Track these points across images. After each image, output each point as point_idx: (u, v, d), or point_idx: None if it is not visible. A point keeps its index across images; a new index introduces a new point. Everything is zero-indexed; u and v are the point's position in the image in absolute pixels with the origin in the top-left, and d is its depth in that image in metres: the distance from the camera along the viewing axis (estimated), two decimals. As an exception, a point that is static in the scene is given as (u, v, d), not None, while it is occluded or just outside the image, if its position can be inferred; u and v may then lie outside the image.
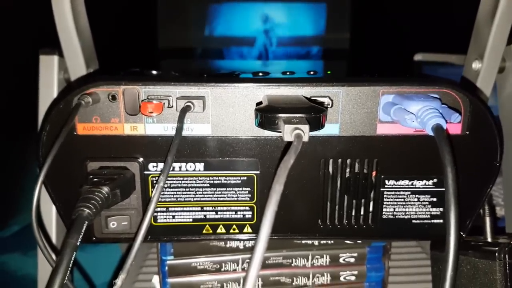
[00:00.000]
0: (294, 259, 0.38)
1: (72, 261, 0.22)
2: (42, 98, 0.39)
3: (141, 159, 0.30)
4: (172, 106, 0.29)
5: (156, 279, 0.40)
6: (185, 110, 0.27)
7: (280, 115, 0.23)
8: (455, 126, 0.30)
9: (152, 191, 0.30)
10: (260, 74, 0.33)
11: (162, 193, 0.31)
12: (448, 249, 0.22)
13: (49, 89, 0.39)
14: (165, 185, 0.30)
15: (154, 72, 0.33)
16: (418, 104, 0.26)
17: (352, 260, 0.39)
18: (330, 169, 0.31)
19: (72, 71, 0.40)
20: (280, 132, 0.23)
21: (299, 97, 0.28)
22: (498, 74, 0.42)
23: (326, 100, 0.29)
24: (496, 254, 0.29)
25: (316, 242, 0.38)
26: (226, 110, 0.29)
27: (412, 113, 0.26)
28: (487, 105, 0.30)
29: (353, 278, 0.39)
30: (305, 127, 0.21)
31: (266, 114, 0.23)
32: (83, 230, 0.23)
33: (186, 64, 0.65)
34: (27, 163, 0.60)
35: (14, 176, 0.58)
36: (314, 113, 0.23)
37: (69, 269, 0.22)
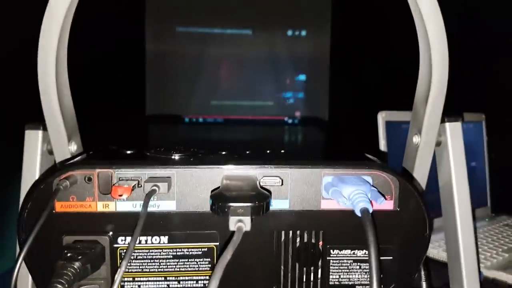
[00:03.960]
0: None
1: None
2: (25, 168, 0.43)
3: (111, 233, 0.33)
4: (141, 186, 0.33)
5: None
6: (150, 195, 0.31)
7: (228, 204, 0.27)
8: (388, 203, 0.35)
9: (119, 262, 0.33)
10: (224, 153, 0.38)
11: (129, 264, 0.34)
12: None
13: (32, 160, 0.43)
14: (132, 258, 0.34)
15: (128, 152, 0.38)
16: (350, 187, 0.31)
17: (309, 320, 0.42)
18: (283, 239, 0.35)
19: (54, 143, 0.44)
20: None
21: (252, 181, 0.33)
22: (436, 147, 0.47)
23: (277, 179, 0.34)
24: (427, 317, 0.33)
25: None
26: (189, 188, 0.33)
27: (344, 197, 0.31)
28: (415, 185, 0.35)
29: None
30: (247, 219, 0.25)
31: (217, 203, 0.28)
32: (55, 305, 0.27)
33: (170, 130, 0.70)
34: (6, 209, 0.62)
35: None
36: (258, 202, 0.28)
37: None
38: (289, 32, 1.42)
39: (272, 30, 1.41)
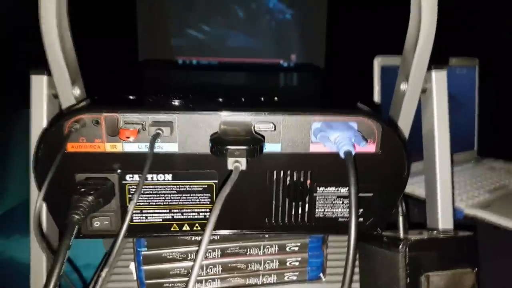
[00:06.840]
0: (248, 249, 0.46)
1: (66, 257, 0.29)
2: (33, 112, 0.45)
3: (119, 171, 0.37)
4: (145, 129, 0.36)
5: (132, 266, 0.47)
6: (155, 137, 0.34)
7: (226, 147, 0.30)
8: (370, 146, 0.38)
9: (128, 197, 0.37)
10: (221, 100, 0.41)
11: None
12: (349, 247, 0.30)
13: (39, 104, 0.45)
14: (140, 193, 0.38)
15: (131, 97, 0.40)
16: (336, 132, 0.34)
17: (296, 248, 0.47)
18: (274, 178, 0.39)
19: (59, 87, 0.46)
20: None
21: (247, 126, 0.35)
22: (422, 94, 0.50)
23: (270, 125, 0.37)
24: (399, 247, 0.38)
25: (266, 235, 0.46)
26: (190, 131, 0.36)
27: (331, 141, 0.34)
28: (396, 130, 0.38)
29: (297, 263, 0.48)
30: (243, 160, 0.28)
31: (217, 146, 0.31)
32: (74, 233, 0.31)
33: (165, 76, 0.72)
34: (9, 150, 0.65)
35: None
36: (253, 145, 0.31)
37: (63, 263, 0.29)
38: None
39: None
